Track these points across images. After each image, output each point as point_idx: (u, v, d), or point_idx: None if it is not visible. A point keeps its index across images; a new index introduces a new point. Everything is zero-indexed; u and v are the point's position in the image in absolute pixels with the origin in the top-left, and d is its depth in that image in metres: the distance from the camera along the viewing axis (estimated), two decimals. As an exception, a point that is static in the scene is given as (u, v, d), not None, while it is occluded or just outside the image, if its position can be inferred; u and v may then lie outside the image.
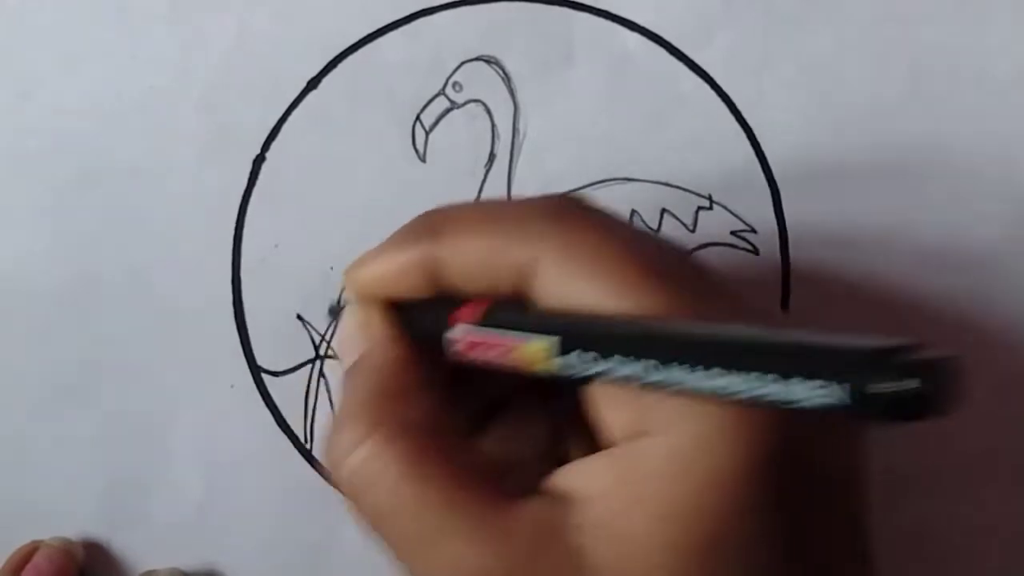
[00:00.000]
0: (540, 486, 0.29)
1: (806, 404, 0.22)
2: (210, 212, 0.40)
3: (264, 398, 0.41)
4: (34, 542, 0.40)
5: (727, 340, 0.24)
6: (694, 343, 0.25)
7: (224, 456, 0.41)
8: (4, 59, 0.41)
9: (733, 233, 0.41)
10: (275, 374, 0.41)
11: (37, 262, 0.41)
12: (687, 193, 0.41)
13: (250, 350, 0.41)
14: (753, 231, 0.41)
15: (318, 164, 0.41)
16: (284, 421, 0.41)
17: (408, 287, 0.31)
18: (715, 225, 0.41)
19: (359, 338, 0.32)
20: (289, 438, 0.41)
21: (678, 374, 0.24)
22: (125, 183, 0.41)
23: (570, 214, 0.29)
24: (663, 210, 0.41)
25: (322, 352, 0.41)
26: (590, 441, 0.29)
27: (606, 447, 0.28)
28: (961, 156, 0.41)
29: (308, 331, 0.41)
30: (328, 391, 0.41)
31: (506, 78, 0.41)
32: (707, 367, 0.24)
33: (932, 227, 0.41)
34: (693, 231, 0.41)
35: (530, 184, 0.41)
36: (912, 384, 0.21)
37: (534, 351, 0.28)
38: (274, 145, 0.41)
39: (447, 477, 0.29)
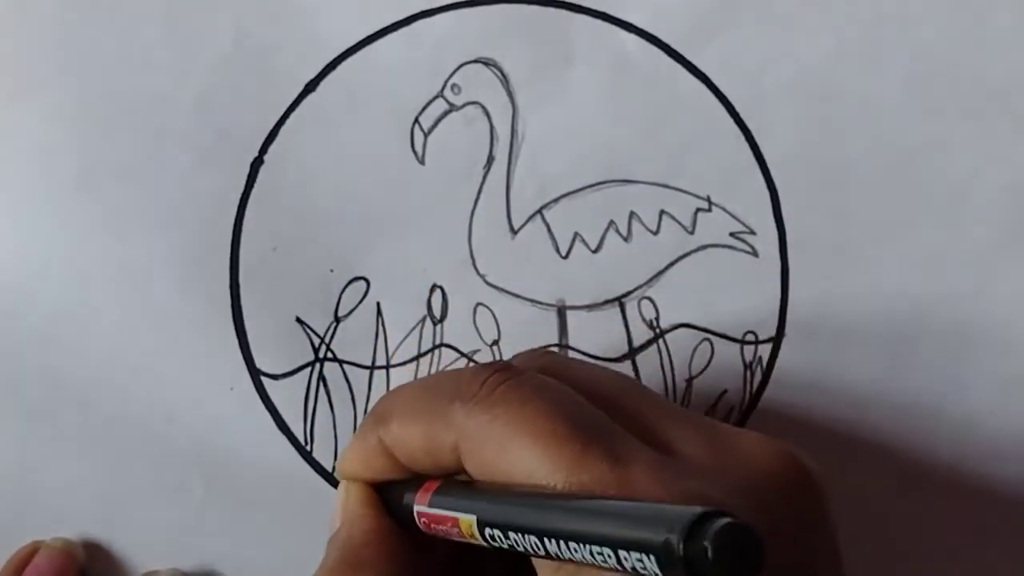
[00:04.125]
0: None
1: (642, 572, 0.24)
2: (208, 215, 0.40)
3: (263, 401, 0.41)
4: (34, 542, 0.40)
5: (584, 514, 0.26)
6: (562, 521, 0.27)
7: (224, 457, 0.41)
8: (4, 59, 0.41)
9: (732, 235, 0.41)
10: (274, 377, 0.41)
11: (36, 262, 0.41)
12: (686, 195, 0.41)
13: (249, 353, 0.41)
14: (752, 233, 0.41)
15: (316, 167, 0.41)
16: (284, 423, 0.41)
17: (377, 470, 0.34)
18: (714, 227, 0.41)
19: (337, 515, 0.36)
20: (289, 440, 0.41)
21: (558, 546, 0.27)
22: (123, 185, 0.41)
23: (486, 391, 0.31)
24: (662, 211, 0.41)
25: (321, 355, 0.41)
26: None
27: None
28: (961, 156, 0.41)
29: (307, 334, 0.41)
30: (327, 393, 0.41)
31: (505, 80, 0.41)
32: (575, 538, 0.26)
33: (932, 228, 0.41)
34: (692, 233, 0.41)
35: (529, 186, 0.41)
36: (719, 550, 0.23)
37: (466, 528, 0.30)
38: (272, 148, 0.41)
39: None
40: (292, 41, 0.40)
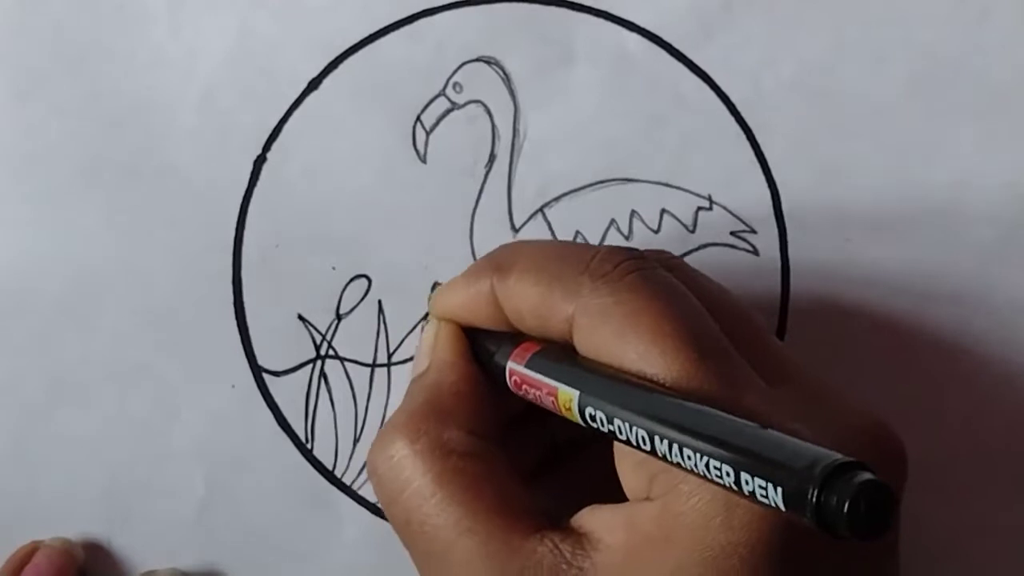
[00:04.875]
0: (566, 522, 0.31)
1: (760, 499, 0.24)
2: (211, 212, 0.40)
3: (265, 398, 0.41)
4: (34, 542, 0.40)
5: (712, 424, 0.26)
6: (685, 422, 0.26)
7: (224, 456, 0.41)
8: (4, 59, 0.41)
9: (733, 234, 0.41)
10: (276, 374, 0.41)
11: (37, 262, 0.41)
12: (687, 193, 0.41)
13: (251, 350, 0.41)
14: (753, 231, 0.41)
15: (319, 164, 0.41)
16: (285, 421, 0.41)
17: (478, 317, 0.34)
18: (715, 225, 0.41)
19: (425, 354, 0.35)
20: (290, 438, 0.41)
21: (669, 447, 0.26)
22: (125, 183, 0.41)
23: (617, 274, 0.31)
24: (663, 210, 0.41)
25: (323, 352, 0.41)
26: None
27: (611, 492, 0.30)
28: (961, 156, 0.41)
29: (309, 331, 0.41)
30: (329, 391, 0.41)
31: (506, 79, 0.41)
32: (691, 446, 0.26)
33: (932, 227, 0.41)
34: (693, 231, 0.41)
35: (530, 185, 0.41)
36: (854, 505, 0.22)
37: (564, 400, 0.30)
38: (275, 145, 0.41)
39: (471, 501, 0.31)
40: (295, 39, 0.41)
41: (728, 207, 0.41)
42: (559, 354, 0.31)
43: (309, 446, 0.41)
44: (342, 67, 0.41)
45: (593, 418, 0.29)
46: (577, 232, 0.41)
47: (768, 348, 0.32)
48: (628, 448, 0.28)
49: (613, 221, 0.41)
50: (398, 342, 0.41)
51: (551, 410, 0.31)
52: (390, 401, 0.41)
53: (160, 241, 0.40)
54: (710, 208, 0.41)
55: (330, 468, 0.41)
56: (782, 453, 0.24)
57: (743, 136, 0.41)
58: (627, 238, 0.41)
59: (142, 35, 0.41)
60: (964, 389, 0.41)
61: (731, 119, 0.41)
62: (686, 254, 0.41)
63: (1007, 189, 0.41)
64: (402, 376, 0.41)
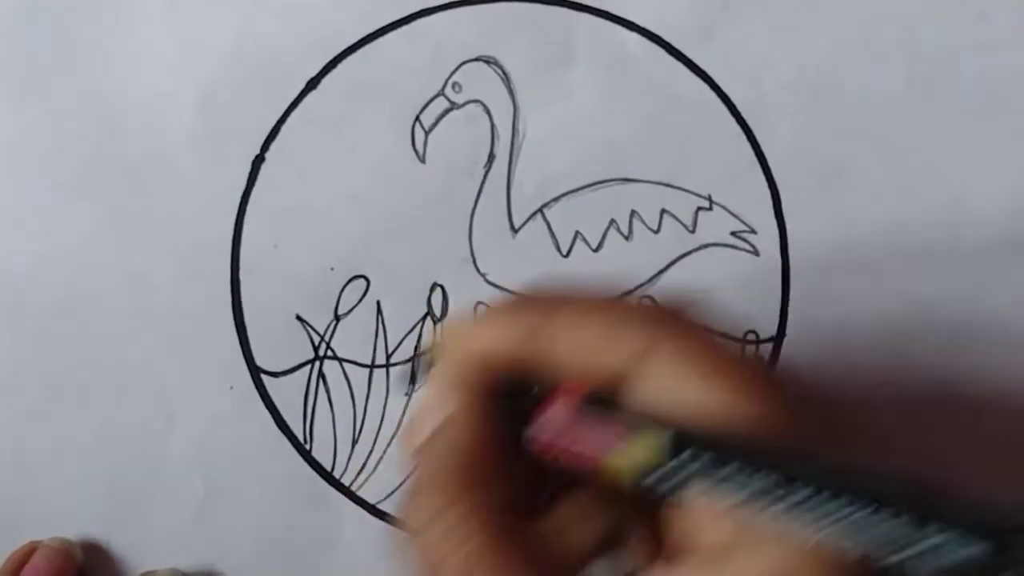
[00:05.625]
0: None
1: (945, 556, 0.22)
2: (209, 212, 0.40)
3: (263, 399, 0.41)
4: (32, 543, 0.40)
5: (856, 477, 0.24)
6: (820, 475, 0.24)
7: (224, 456, 0.41)
8: (4, 59, 0.41)
9: (733, 234, 0.41)
10: (274, 375, 0.41)
11: (37, 262, 0.41)
12: (687, 194, 0.41)
13: (249, 351, 0.41)
14: (753, 232, 0.41)
15: (318, 164, 0.41)
16: (283, 421, 0.41)
17: (505, 359, 0.30)
18: (715, 226, 0.41)
19: (436, 412, 0.31)
20: (288, 439, 0.41)
21: (796, 503, 0.24)
22: (125, 183, 0.41)
23: (679, 317, 0.29)
24: (663, 211, 0.41)
25: (321, 353, 0.41)
26: (650, 540, 0.29)
27: (675, 553, 0.28)
28: (961, 157, 0.41)
29: (307, 332, 0.41)
30: (327, 391, 0.41)
31: (505, 78, 0.41)
32: (834, 503, 0.24)
33: (932, 227, 0.41)
34: (693, 232, 0.41)
35: (529, 185, 0.41)
36: None
37: (637, 447, 0.27)
38: (273, 145, 0.41)
39: (518, 564, 0.28)
40: (294, 39, 0.41)
41: (728, 207, 0.41)
42: (614, 402, 0.28)
43: (308, 447, 0.41)
44: (341, 67, 0.41)
45: (677, 466, 0.26)
46: (577, 232, 0.41)
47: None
48: (697, 499, 0.27)
49: (613, 221, 0.41)
50: (396, 343, 0.41)
51: (584, 473, 0.28)
52: (389, 402, 0.41)
53: (159, 241, 0.40)
54: (710, 208, 0.41)
55: (328, 469, 0.41)
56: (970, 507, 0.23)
57: (743, 136, 0.41)
58: (627, 238, 0.41)
59: (142, 35, 0.41)
60: (964, 389, 0.41)
61: (731, 119, 0.41)
62: (686, 254, 0.41)
63: (1007, 189, 0.41)
64: (402, 377, 0.41)
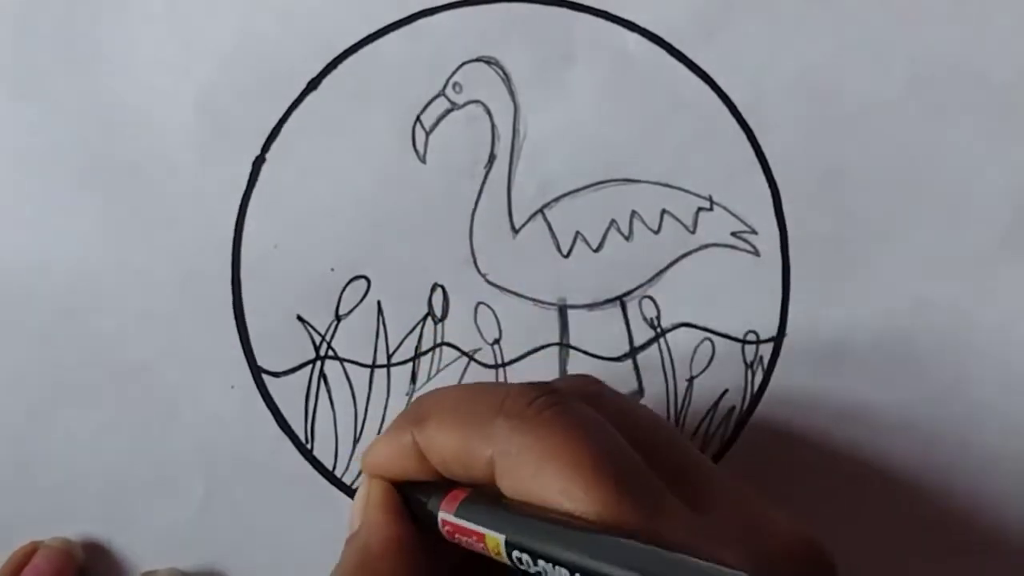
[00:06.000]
0: None
1: None
2: (210, 213, 0.40)
3: (264, 398, 0.41)
4: (33, 542, 0.40)
5: (631, 556, 0.27)
6: (605, 556, 0.27)
7: (224, 456, 0.41)
8: (4, 59, 0.41)
9: (733, 234, 0.41)
10: (275, 374, 0.41)
11: (37, 262, 0.41)
12: (687, 194, 0.41)
13: (250, 350, 0.41)
14: (753, 232, 0.41)
15: (318, 165, 0.41)
16: (284, 421, 0.41)
17: (406, 470, 0.34)
18: (715, 226, 0.41)
19: (357, 515, 0.35)
20: (289, 438, 0.41)
21: None
22: (125, 183, 0.41)
23: (532, 412, 0.31)
24: (663, 211, 0.41)
25: (322, 353, 0.41)
26: None
27: None
28: (961, 156, 0.41)
29: (308, 331, 0.41)
30: (328, 391, 0.41)
31: (506, 79, 0.41)
32: None
33: (932, 228, 0.41)
34: (693, 232, 0.41)
35: (530, 185, 0.41)
36: None
37: (492, 545, 0.30)
38: (274, 146, 0.41)
39: None
40: (294, 39, 0.40)
41: (729, 207, 0.41)
42: (486, 499, 0.31)
43: (309, 446, 0.41)
44: (341, 67, 0.41)
45: (520, 560, 0.29)
46: (577, 233, 0.41)
47: (695, 470, 0.32)
48: None
49: (613, 221, 0.41)
50: (397, 343, 0.41)
51: (486, 555, 0.31)
52: (389, 402, 0.41)
53: (159, 241, 0.40)
54: (710, 208, 0.41)
55: (330, 468, 0.41)
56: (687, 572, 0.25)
57: (743, 136, 0.41)
58: (627, 238, 0.41)
59: (142, 35, 0.41)
60: (965, 389, 0.41)
61: (731, 119, 0.41)
62: (686, 254, 0.41)
63: (1007, 189, 0.41)
64: (402, 377, 0.41)
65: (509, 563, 0.30)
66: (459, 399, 0.34)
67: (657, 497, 0.30)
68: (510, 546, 0.29)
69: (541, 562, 0.28)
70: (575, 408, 0.31)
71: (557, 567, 0.28)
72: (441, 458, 0.33)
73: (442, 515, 0.32)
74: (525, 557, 0.29)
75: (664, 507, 0.29)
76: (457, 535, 0.32)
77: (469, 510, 0.31)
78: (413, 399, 0.36)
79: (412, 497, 0.34)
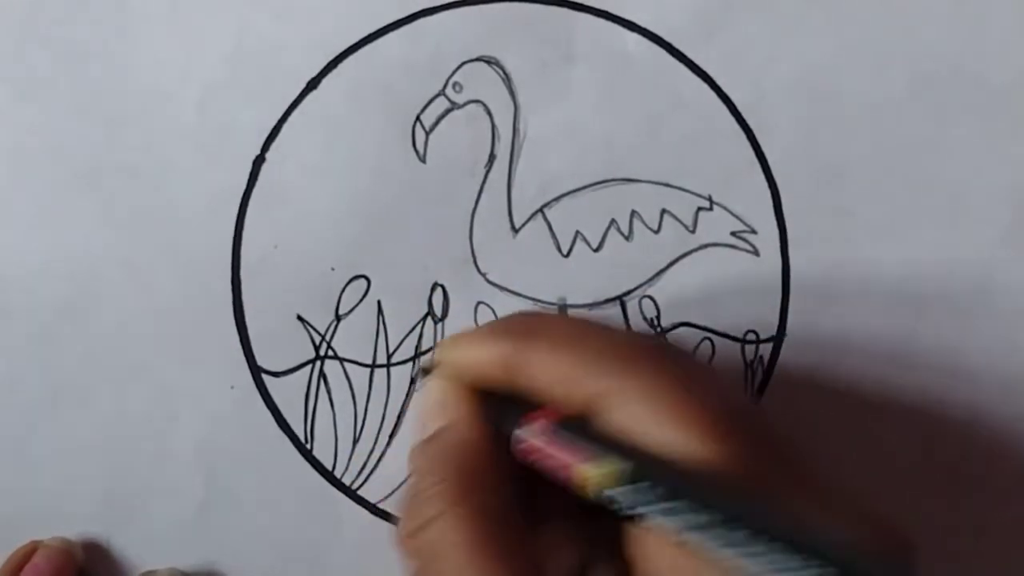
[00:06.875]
0: None
1: None
2: (210, 212, 0.40)
3: (264, 398, 0.41)
4: (33, 542, 0.40)
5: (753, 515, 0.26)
6: (731, 514, 0.27)
7: (224, 456, 0.41)
8: (4, 59, 0.41)
9: (733, 234, 0.41)
10: (275, 374, 0.41)
11: (37, 262, 0.41)
12: (687, 194, 0.41)
13: (250, 350, 0.41)
14: (753, 232, 0.41)
15: (318, 164, 0.41)
16: (284, 421, 0.41)
17: (491, 376, 0.32)
18: (715, 226, 0.41)
19: (436, 415, 0.33)
20: (289, 438, 0.41)
21: (726, 538, 0.26)
22: (125, 183, 0.41)
23: (652, 356, 0.31)
24: (663, 211, 0.41)
25: (322, 353, 0.41)
26: (620, 570, 0.31)
27: None
28: (961, 156, 0.41)
29: (308, 331, 0.41)
30: (328, 391, 0.41)
31: (506, 78, 0.41)
32: (740, 537, 0.26)
33: (932, 227, 0.41)
34: (693, 232, 0.41)
35: (530, 185, 0.41)
36: None
37: (601, 472, 0.29)
38: (274, 145, 0.41)
39: (510, 568, 0.30)
40: (294, 39, 0.41)
41: (728, 207, 0.41)
42: (584, 429, 0.30)
43: (308, 446, 0.41)
44: (341, 67, 0.41)
45: (632, 496, 0.28)
46: (577, 232, 0.41)
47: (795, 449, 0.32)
48: (654, 532, 0.28)
49: (613, 221, 0.41)
50: (397, 342, 0.41)
51: (558, 482, 0.30)
52: (389, 401, 0.41)
53: (159, 241, 0.40)
54: (710, 208, 0.41)
55: (329, 468, 0.41)
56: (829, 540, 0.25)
57: (743, 136, 0.41)
58: (627, 238, 0.41)
59: (142, 35, 0.41)
60: (965, 389, 0.41)
61: (731, 119, 0.41)
62: (686, 254, 0.41)
63: (1007, 189, 0.41)
64: (402, 377, 0.41)
65: (598, 499, 0.29)
66: (575, 326, 0.33)
67: (786, 464, 0.29)
68: (634, 479, 0.28)
69: (644, 506, 0.27)
70: (689, 356, 0.31)
71: (666, 515, 0.27)
72: (547, 376, 0.31)
73: (522, 433, 0.31)
74: (652, 492, 0.28)
75: (792, 475, 0.29)
76: (535, 456, 0.31)
77: (564, 436, 0.30)
78: (514, 315, 0.35)
79: (488, 405, 0.33)
